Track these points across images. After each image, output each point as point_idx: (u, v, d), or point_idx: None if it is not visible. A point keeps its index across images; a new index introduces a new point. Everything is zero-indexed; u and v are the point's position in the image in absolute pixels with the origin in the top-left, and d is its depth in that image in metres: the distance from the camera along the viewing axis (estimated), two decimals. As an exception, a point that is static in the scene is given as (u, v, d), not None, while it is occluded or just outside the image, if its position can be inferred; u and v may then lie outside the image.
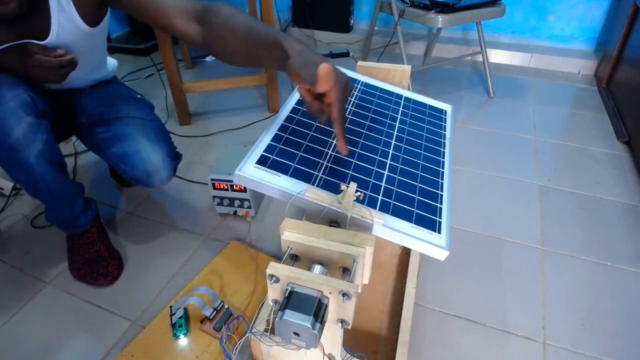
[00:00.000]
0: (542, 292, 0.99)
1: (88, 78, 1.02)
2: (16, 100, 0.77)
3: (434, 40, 2.19)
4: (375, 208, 0.66)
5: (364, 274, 0.60)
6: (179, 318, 0.88)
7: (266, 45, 0.65)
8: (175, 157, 1.01)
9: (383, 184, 0.71)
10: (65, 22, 0.79)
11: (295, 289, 0.53)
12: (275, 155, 0.71)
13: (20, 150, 0.79)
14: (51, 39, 0.79)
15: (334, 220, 0.64)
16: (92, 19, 0.84)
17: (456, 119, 1.70)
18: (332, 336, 0.61)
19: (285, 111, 0.81)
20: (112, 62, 1.12)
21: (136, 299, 0.99)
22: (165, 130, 1.02)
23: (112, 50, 2.36)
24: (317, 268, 0.57)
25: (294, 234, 0.58)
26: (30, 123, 0.79)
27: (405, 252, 1.00)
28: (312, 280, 0.52)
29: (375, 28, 2.10)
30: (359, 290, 0.54)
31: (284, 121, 0.79)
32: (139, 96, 1.07)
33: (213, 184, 1.14)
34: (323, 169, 0.71)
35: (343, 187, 0.65)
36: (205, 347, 0.85)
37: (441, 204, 0.72)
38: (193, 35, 0.75)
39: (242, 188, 1.14)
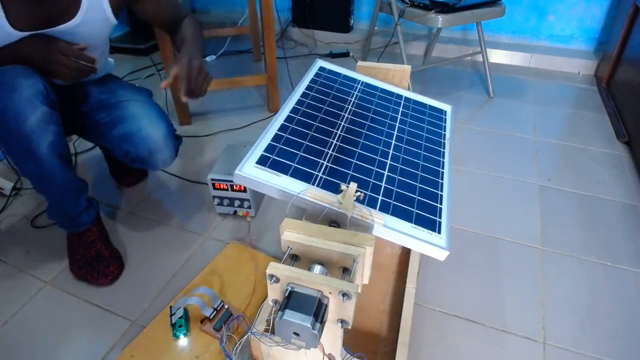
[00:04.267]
0: (542, 292, 0.99)
1: (95, 76, 1.04)
2: (32, 89, 0.79)
3: (434, 40, 2.19)
4: (375, 208, 0.67)
5: (364, 274, 0.60)
6: (179, 318, 0.88)
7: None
8: (176, 138, 1.03)
9: (383, 184, 0.71)
10: (93, 6, 0.83)
11: (295, 289, 0.53)
12: (275, 155, 0.71)
13: (34, 139, 0.80)
14: (76, 20, 0.82)
15: (334, 221, 0.64)
16: (116, 11, 0.89)
17: (456, 119, 1.70)
18: (332, 336, 0.61)
19: (285, 111, 0.81)
20: (110, 61, 1.14)
21: (136, 299, 0.99)
22: (164, 112, 1.04)
23: (112, 50, 2.36)
24: (317, 268, 0.58)
25: (294, 234, 0.58)
26: (45, 112, 0.80)
27: (405, 252, 1.00)
28: (312, 280, 0.52)
29: (375, 28, 2.10)
30: (359, 290, 0.54)
31: (284, 121, 0.79)
32: (137, 85, 1.10)
33: (213, 184, 1.14)
34: (323, 168, 0.71)
35: (343, 187, 0.65)
36: (205, 347, 0.85)
37: (441, 204, 0.72)
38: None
39: (242, 188, 1.14)
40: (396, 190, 0.71)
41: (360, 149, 0.77)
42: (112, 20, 0.90)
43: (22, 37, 0.81)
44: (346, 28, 2.41)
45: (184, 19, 1.02)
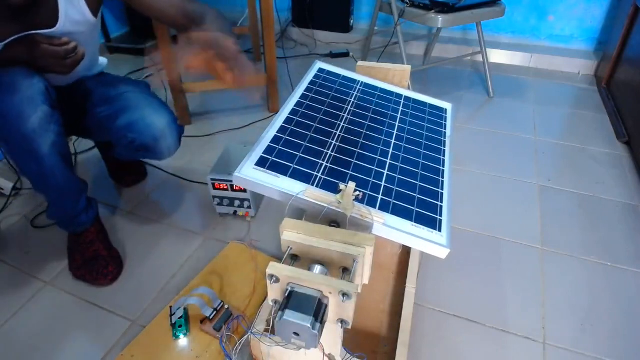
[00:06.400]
0: (542, 292, 0.99)
1: (89, 70, 1.05)
2: (33, 89, 0.79)
3: (434, 40, 2.19)
4: (375, 207, 0.66)
5: (364, 274, 0.60)
6: (179, 318, 0.88)
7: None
8: (179, 125, 1.04)
9: (383, 183, 0.71)
10: (72, 12, 0.82)
11: (295, 289, 0.53)
12: (274, 157, 0.71)
13: (35, 139, 0.80)
14: (58, 28, 0.82)
15: (334, 220, 0.64)
16: (95, 9, 0.88)
17: (456, 119, 1.70)
18: (332, 336, 0.61)
19: (284, 113, 0.81)
20: (102, 60, 1.14)
21: (136, 299, 0.99)
22: (165, 102, 1.04)
23: (112, 51, 2.36)
24: (317, 268, 0.58)
25: (294, 234, 0.58)
26: (46, 112, 0.81)
27: (406, 252, 1.00)
28: (312, 280, 0.52)
29: (375, 28, 2.10)
30: (359, 290, 0.54)
31: (283, 122, 0.79)
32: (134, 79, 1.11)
33: (213, 184, 1.14)
34: (322, 169, 0.71)
35: (342, 186, 0.65)
36: (205, 347, 0.85)
37: (442, 202, 0.72)
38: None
39: (242, 188, 1.14)
40: (396, 189, 0.71)
41: (359, 149, 0.77)
42: (92, 20, 0.89)
43: (4, 44, 0.80)
44: (346, 28, 2.41)
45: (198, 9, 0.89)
